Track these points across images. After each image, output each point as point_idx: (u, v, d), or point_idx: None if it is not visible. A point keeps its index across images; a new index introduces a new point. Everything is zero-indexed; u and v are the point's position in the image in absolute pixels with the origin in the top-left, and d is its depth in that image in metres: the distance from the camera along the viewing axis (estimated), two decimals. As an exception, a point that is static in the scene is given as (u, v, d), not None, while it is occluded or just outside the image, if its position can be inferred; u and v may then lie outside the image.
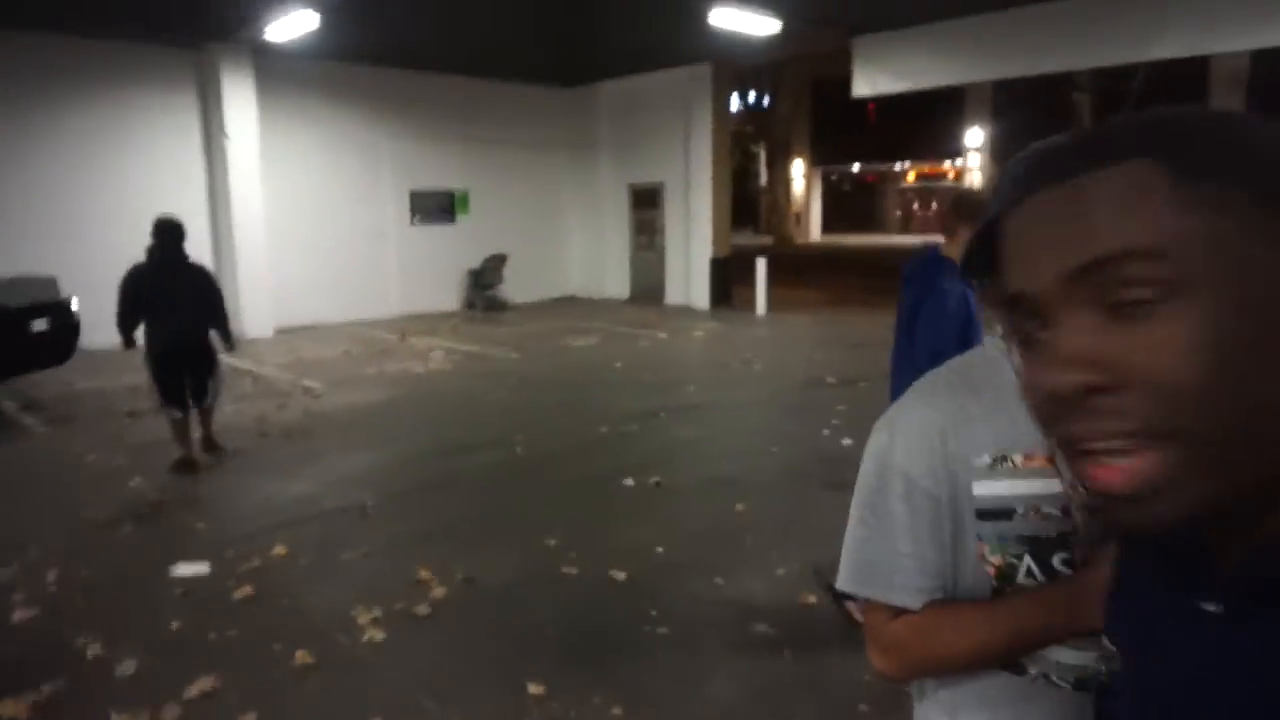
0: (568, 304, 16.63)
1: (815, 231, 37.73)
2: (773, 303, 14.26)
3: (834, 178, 40.47)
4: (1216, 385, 0.50)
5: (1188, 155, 0.53)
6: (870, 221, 39.86)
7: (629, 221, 16.56)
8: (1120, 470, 0.53)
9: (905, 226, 39.38)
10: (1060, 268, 0.55)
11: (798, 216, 36.49)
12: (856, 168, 39.40)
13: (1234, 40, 9.24)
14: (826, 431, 6.80)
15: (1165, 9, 9.26)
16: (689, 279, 15.36)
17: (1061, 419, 0.56)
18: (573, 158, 17.04)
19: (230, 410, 7.65)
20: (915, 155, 36.55)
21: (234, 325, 11.79)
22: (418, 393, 8.85)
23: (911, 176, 39.46)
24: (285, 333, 12.87)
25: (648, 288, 16.28)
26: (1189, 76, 27.33)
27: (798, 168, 35.58)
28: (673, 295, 15.76)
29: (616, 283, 16.94)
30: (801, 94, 33.88)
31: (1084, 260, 0.53)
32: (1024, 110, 28.64)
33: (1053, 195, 0.56)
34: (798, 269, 22.56)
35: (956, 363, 1.18)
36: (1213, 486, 0.52)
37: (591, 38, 15.72)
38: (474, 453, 6.59)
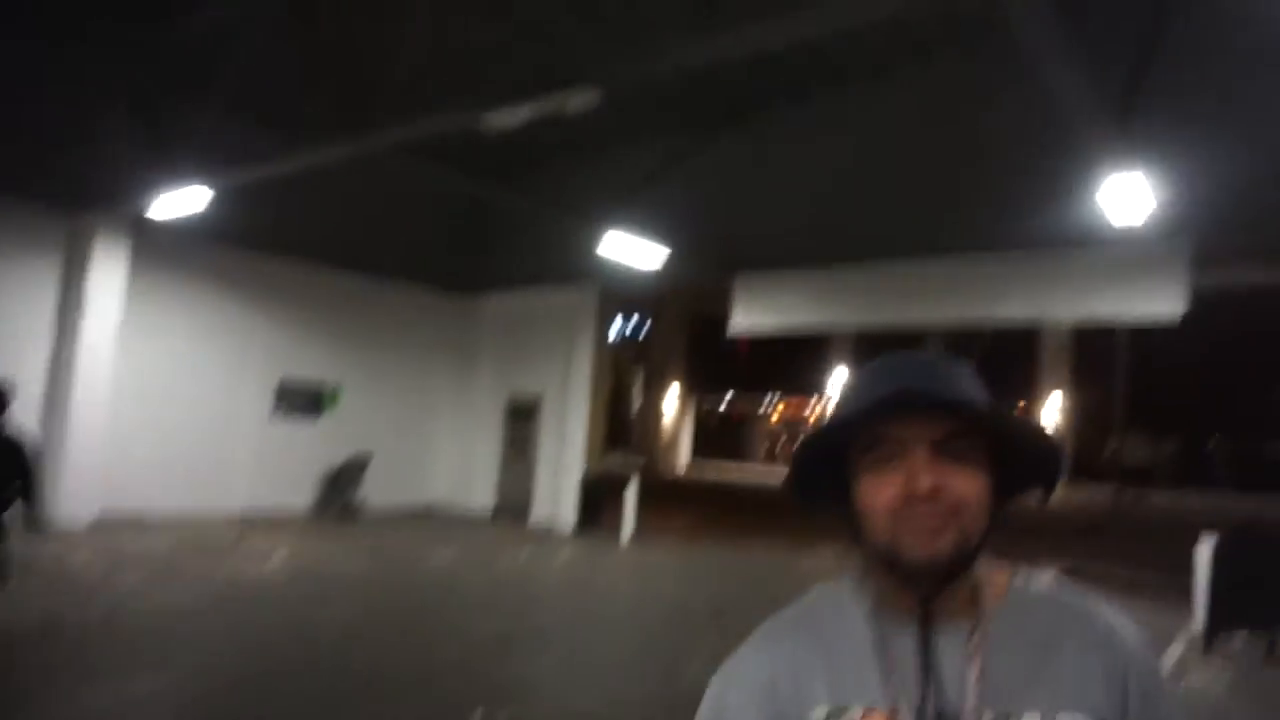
0: (428, 514, 15.93)
1: (685, 458, 38.38)
2: (641, 529, 14.06)
3: (706, 407, 41.88)
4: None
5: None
6: (738, 452, 40.99)
7: (502, 434, 16.37)
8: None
9: (771, 459, 40.65)
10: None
11: (669, 443, 37.18)
12: (729, 398, 40.99)
13: (1058, 311, 10.49)
14: (690, 667, 6.45)
15: (1008, 278, 10.36)
16: (557, 497, 15.07)
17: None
18: (452, 364, 17.01)
19: (12, 603, 6.65)
20: (783, 389, 38.45)
21: (55, 506, 10.91)
22: (247, 601, 8.00)
23: (776, 416, 41.32)
24: (114, 519, 11.67)
25: (514, 503, 15.84)
26: (1024, 338, 30.45)
27: (672, 394, 36.70)
28: (539, 513, 15.37)
29: (482, 495, 16.45)
30: (680, 324, 35.65)
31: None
32: (882, 351, 30.81)
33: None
34: (667, 495, 22.63)
35: (802, 604, 1.15)
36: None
37: (484, 251, 16.25)
38: (299, 678, 5.85)
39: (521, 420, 16.12)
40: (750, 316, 12.97)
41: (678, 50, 5.98)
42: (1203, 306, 10.20)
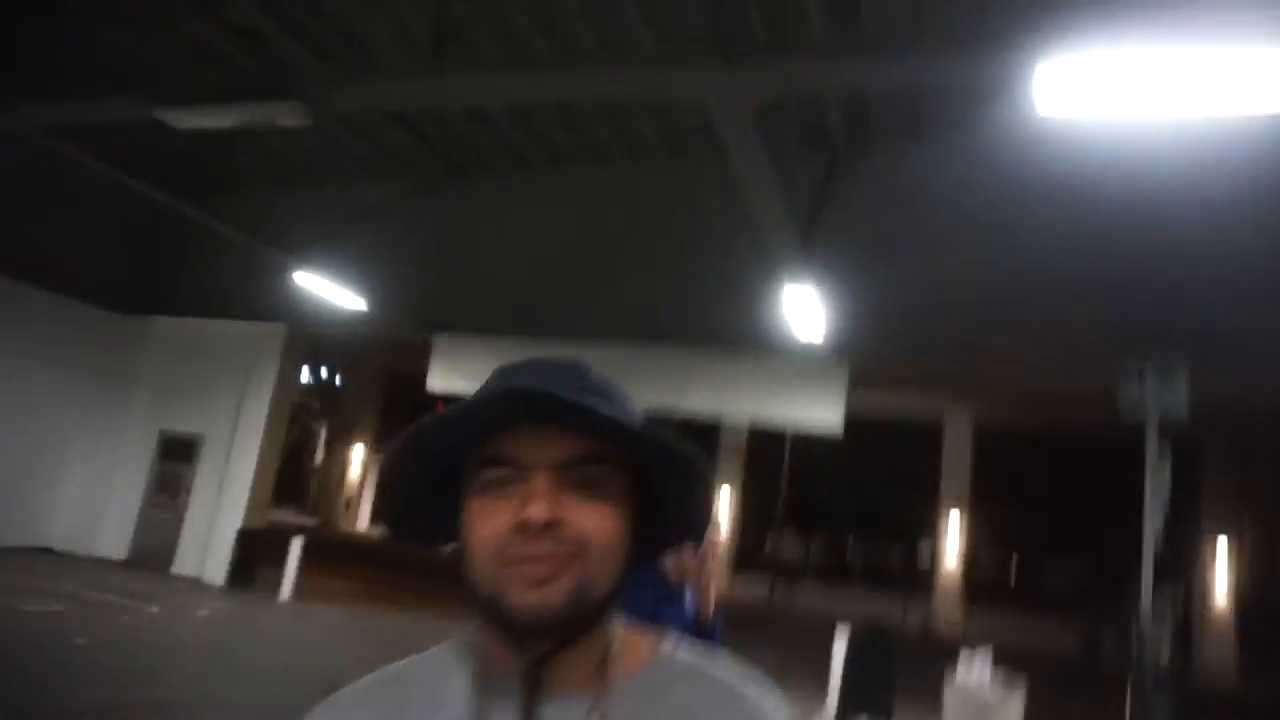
0: (41, 556, 13.49)
1: (365, 519, 36.38)
2: (303, 590, 12.90)
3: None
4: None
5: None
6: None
7: (151, 472, 14.42)
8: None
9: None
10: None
11: (349, 502, 35.07)
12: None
13: (735, 409, 11.45)
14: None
15: (695, 373, 11.08)
16: (208, 548, 13.48)
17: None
18: (98, 389, 14.78)
19: None
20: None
21: None
22: None
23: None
24: None
25: (155, 551, 13.92)
26: (705, 433, 32.73)
27: (358, 452, 34.84)
28: (184, 564, 13.62)
29: (115, 540, 14.28)
30: (376, 380, 34.16)
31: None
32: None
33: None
34: (339, 557, 21.11)
35: (401, 665, 0.98)
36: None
37: (158, 268, 14.49)
38: None
39: (176, 460, 14.32)
40: (448, 379, 12.71)
41: (397, 90, 5.81)
42: (856, 421, 11.56)
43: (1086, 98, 4.61)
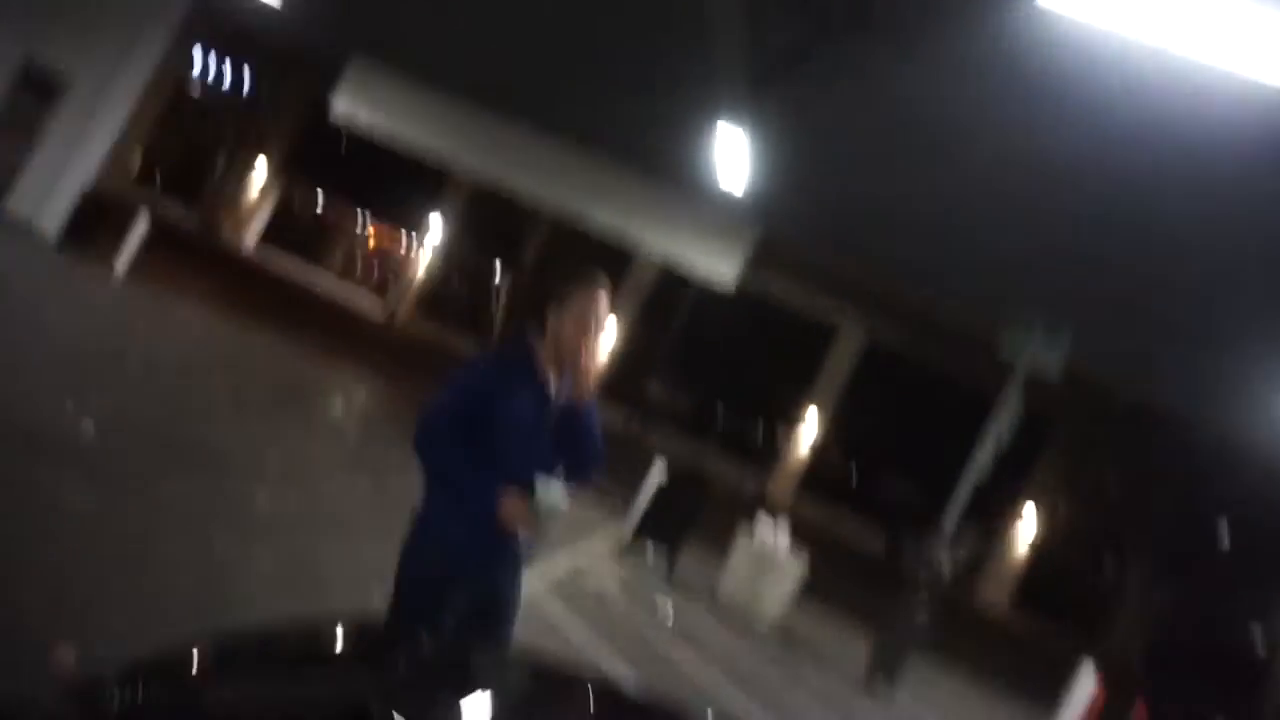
0: None
1: (253, 239, 34.84)
2: (141, 272, 12.12)
3: (297, 198, 38.30)
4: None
5: None
6: (316, 256, 38.20)
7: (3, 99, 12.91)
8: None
9: (349, 276, 38.52)
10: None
11: (242, 216, 33.39)
12: (322, 199, 37.91)
13: (643, 238, 10.97)
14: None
15: (611, 188, 10.46)
16: (51, 194, 12.25)
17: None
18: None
19: None
20: (379, 213, 36.42)
21: None
22: None
23: (371, 240, 39.19)
24: None
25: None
26: (617, 261, 32.19)
27: (261, 168, 32.87)
28: (22, 204, 12.43)
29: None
30: (292, 102, 31.80)
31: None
32: (486, 214, 30.31)
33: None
34: (206, 259, 20.26)
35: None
36: None
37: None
38: None
39: (35, 95, 12.83)
40: (356, 107, 11.69)
41: None
42: (758, 299, 11.25)
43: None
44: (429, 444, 2.59)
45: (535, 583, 6.37)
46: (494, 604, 2.68)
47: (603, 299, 2.61)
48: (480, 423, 2.55)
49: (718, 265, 10.23)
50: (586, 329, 2.58)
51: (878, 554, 23.92)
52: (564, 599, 6.62)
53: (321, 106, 30.03)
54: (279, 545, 5.10)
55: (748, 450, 30.60)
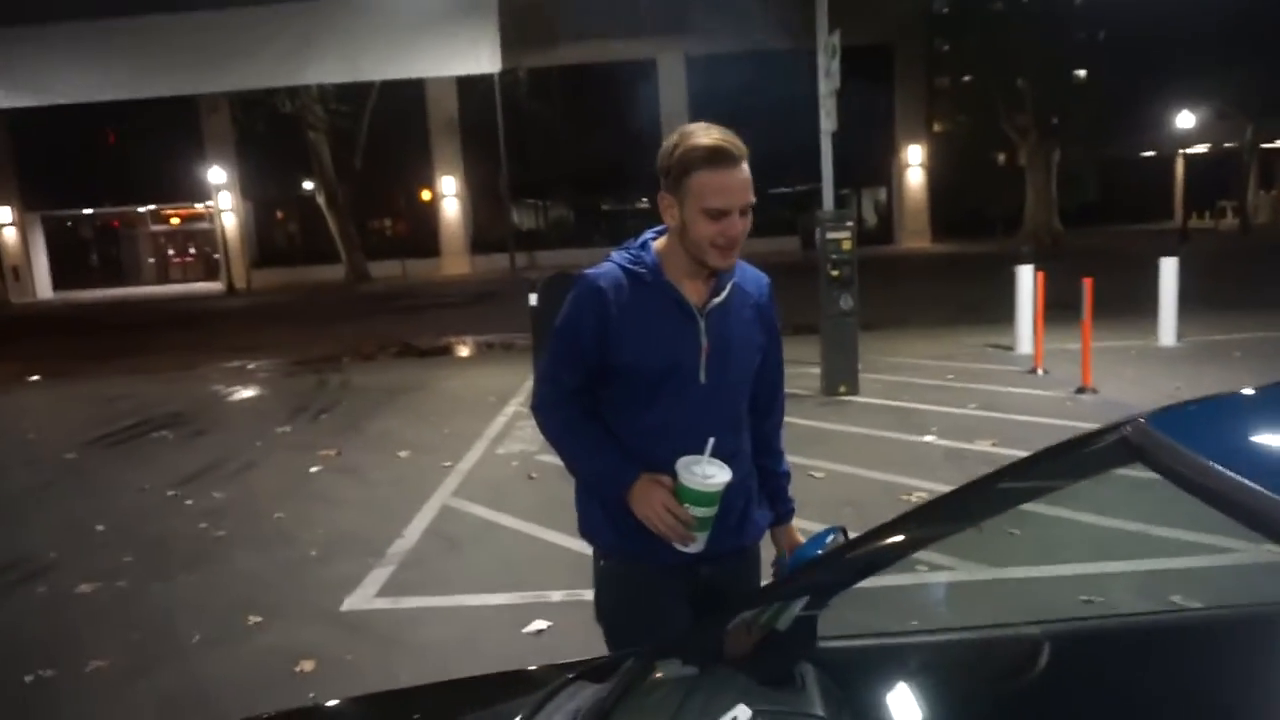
0: None
1: (44, 288, 31.66)
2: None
3: (69, 224, 34.59)
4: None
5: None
6: (120, 272, 35.03)
7: None
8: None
9: (163, 275, 35.59)
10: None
11: (15, 271, 30.12)
12: (92, 213, 34.22)
13: (375, 70, 9.55)
14: None
15: (310, 37, 8.97)
16: None
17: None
18: None
19: None
20: (160, 198, 33.19)
21: None
22: None
23: (176, 220, 35.84)
24: None
25: None
26: (412, 120, 29.99)
27: (3, 215, 29.27)
28: None
29: None
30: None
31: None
32: (267, 148, 28.08)
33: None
34: (9, 335, 18.15)
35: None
36: None
37: None
38: None
39: None
40: (7, 89, 9.78)
41: None
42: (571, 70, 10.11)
43: None
44: (538, 408, 1.88)
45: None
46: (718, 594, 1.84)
47: (735, 167, 1.66)
48: (603, 363, 1.77)
49: (473, 55, 9.02)
50: (725, 213, 1.66)
51: (792, 258, 23.94)
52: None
53: (25, 128, 26.91)
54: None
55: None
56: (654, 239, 1.84)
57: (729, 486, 1.67)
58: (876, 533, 1.49)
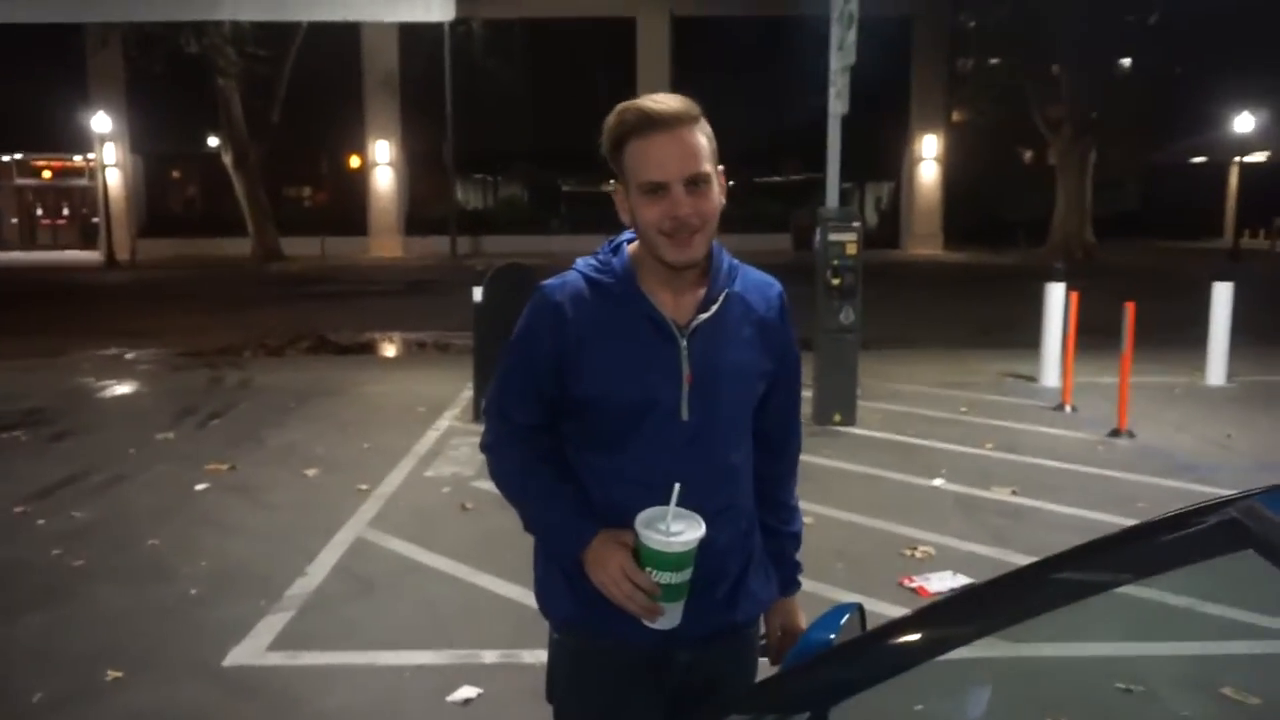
0: None
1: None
2: None
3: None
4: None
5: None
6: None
7: None
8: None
9: (29, 239, 34.83)
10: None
11: None
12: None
13: (303, 11, 9.45)
14: None
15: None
16: None
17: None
18: None
19: None
20: (30, 145, 32.53)
21: None
22: None
23: (48, 173, 35.14)
24: None
25: None
26: (343, 72, 29.73)
27: None
28: None
29: None
30: None
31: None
32: (165, 94, 27.62)
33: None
34: None
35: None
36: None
37: None
38: None
39: None
40: None
41: None
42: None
43: None
44: (488, 448, 1.78)
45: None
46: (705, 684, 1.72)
47: (670, 131, 1.57)
48: (566, 395, 1.67)
49: (421, 8, 8.96)
50: (663, 187, 1.57)
51: (784, 258, 24.05)
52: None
53: None
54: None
55: (604, 222, 29.98)
56: (630, 242, 1.74)
57: (716, 543, 1.57)
58: (911, 621, 1.41)
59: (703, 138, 1.60)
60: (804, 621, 1.84)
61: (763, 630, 1.87)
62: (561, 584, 1.70)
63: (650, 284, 1.67)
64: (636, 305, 1.66)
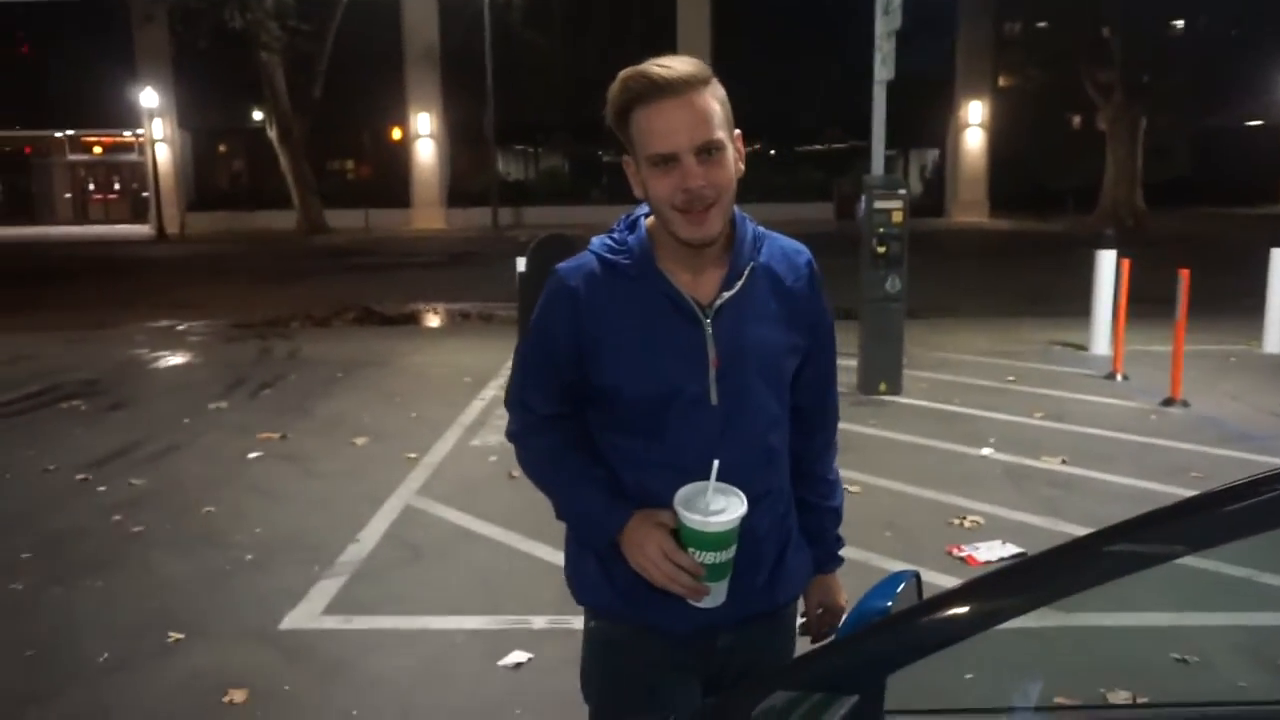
0: None
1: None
2: None
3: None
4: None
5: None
6: (31, 208, 34.82)
7: None
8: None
9: (82, 214, 35.39)
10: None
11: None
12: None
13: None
14: None
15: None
16: None
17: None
18: None
19: None
20: (81, 122, 32.99)
21: None
22: None
23: (99, 149, 35.64)
24: None
25: None
26: (384, 45, 29.77)
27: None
28: None
29: None
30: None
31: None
32: (210, 69, 27.83)
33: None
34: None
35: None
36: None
37: None
38: None
39: None
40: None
41: None
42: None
43: None
44: (514, 436, 1.71)
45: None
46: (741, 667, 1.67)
47: (677, 96, 1.45)
48: (588, 384, 1.60)
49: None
50: (672, 158, 1.47)
51: (828, 227, 23.83)
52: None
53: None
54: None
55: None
56: (648, 216, 1.61)
57: (756, 530, 1.51)
58: (967, 590, 1.39)
59: (714, 102, 1.48)
60: (844, 599, 1.79)
61: (801, 608, 1.80)
62: (596, 570, 1.63)
63: (669, 262, 1.57)
64: (656, 286, 1.56)
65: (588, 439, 1.64)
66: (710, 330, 1.55)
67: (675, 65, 1.47)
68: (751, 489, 1.51)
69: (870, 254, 7.52)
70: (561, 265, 1.62)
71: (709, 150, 1.46)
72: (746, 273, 1.58)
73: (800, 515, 1.74)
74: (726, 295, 1.56)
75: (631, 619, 1.60)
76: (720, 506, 1.44)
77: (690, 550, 1.45)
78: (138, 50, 29.59)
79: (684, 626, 1.55)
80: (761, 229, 1.65)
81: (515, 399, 1.69)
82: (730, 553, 1.46)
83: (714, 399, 1.55)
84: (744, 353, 1.56)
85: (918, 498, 5.28)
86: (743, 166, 1.55)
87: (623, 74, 1.50)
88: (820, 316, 1.68)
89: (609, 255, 1.59)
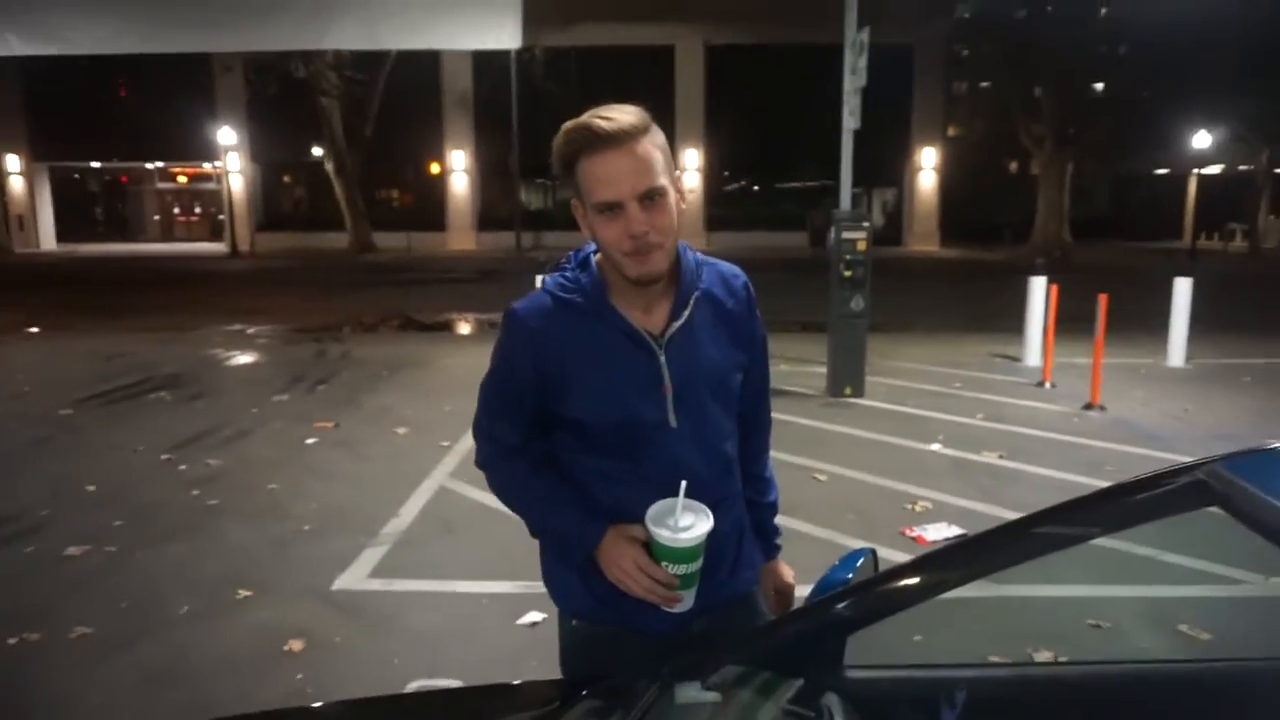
0: None
1: (48, 239, 31.51)
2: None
3: (75, 177, 34.38)
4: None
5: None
6: (125, 228, 34.87)
7: None
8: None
9: (168, 233, 35.42)
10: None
11: (20, 220, 29.98)
12: (97, 167, 33.99)
13: (394, 39, 9.45)
14: None
15: (331, 2, 8.83)
16: None
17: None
18: None
19: None
20: (169, 155, 33.00)
21: None
22: None
23: (184, 178, 35.66)
24: None
25: None
26: (426, 93, 29.80)
27: (12, 164, 29.10)
28: None
29: None
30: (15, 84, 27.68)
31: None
32: (278, 111, 27.86)
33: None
34: (12, 284, 18.06)
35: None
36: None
37: None
38: None
39: None
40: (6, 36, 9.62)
41: None
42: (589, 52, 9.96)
43: None
44: (482, 466, 1.60)
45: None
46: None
47: (620, 146, 1.34)
48: (552, 413, 1.49)
49: (495, 26, 8.90)
50: (617, 206, 1.36)
51: (800, 254, 23.84)
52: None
53: (35, 77, 26.58)
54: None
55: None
56: (596, 253, 1.48)
57: (719, 531, 1.40)
58: (917, 565, 1.41)
59: (655, 150, 1.36)
60: (791, 577, 1.73)
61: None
62: (574, 579, 1.51)
63: (620, 298, 1.45)
64: (612, 323, 1.44)
65: (553, 460, 1.52)
66: (664, 359, 1.45)
67: (617, 116, 1.35)
68: (714, 495, 1.44)
69: (838, 277, 7.53)
70: (518, 305, 1.48)
71: (651, 196, 1.35)
72: (692, 301, 1.48)
73: (748, 512, 1.66)
74: (675, 325, 1.46)
75: (612, 621, 1.50)
76: (689, 523, 1.36)
77: (662, 563, 1.37)
78: (218, 95, 29.58)
79: (661, 626, 1.46)
80: (701, 255, 1.54)
81: (483, 431, 1.56)
82: (699, 564, 1.39)
83: (673, 422, 1.45)
84: (695, 376, 1.47)
85: (876, 486, 5.28)
86: (685, 206, 1.45)
87: (566, 126, 1.38)
88: (756, 330, 1.59)
89: (563, 294, 1.46)
